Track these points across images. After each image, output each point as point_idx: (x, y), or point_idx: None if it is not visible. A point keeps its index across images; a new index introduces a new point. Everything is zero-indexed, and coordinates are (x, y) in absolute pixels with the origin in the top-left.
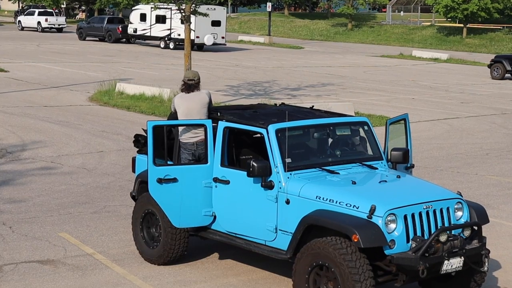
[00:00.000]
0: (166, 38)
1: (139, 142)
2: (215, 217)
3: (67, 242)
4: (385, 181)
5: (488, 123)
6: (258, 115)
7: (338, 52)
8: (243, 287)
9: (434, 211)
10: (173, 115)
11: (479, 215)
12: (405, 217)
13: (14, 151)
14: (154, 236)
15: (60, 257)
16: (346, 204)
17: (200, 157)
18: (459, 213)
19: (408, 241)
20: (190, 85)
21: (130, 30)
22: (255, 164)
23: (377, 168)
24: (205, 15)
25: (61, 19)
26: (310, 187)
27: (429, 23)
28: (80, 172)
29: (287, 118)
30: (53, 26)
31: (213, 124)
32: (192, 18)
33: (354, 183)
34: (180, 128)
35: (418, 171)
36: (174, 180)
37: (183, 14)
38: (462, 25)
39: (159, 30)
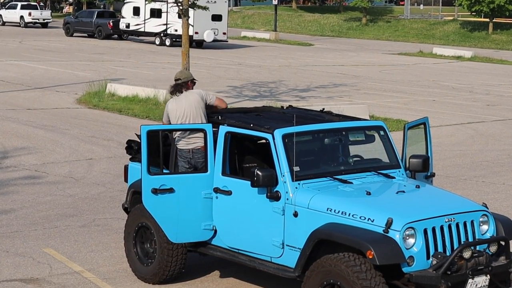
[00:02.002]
0: (161, 34)
1: (132, 148)
2: (215, 231)
3: (52, 258)
4: (403, 191)
5: None
6: (263, 119)
7: (351, 49)
8: None
9: (457, 225)
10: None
11: (507, 229)
12: (425, 231)
13: None
14: (148, 252)
15: (45, 275)
16: (360, 217)
17: (196, 166)
18: (485, 227)
19: (428, 257)
20: (177, 85)
21: (122, 25)
22: (259, 173)
23: (394, 177)
24: (205, 8)
25: (46, 13)
26: (320, 198)
27: (451, 18)
28: (67, 182)
29: (295, 122)
30: (37, 20)
31: (214, 129)
32: (191, 12)
33: (368, 193)
34: (177, 134)
35: (439, 181)
36: (171, 190)
37: (181, 7)
38: (487, 19)
39: (154, 25)
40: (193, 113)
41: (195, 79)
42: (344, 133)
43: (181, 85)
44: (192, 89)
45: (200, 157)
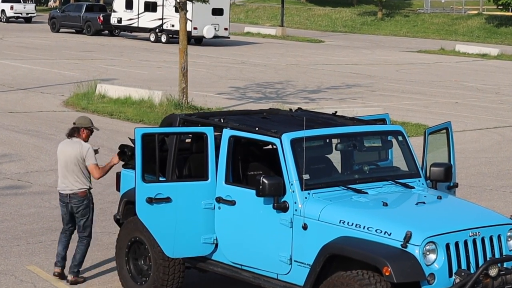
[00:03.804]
0: (157, 30)
1: (125, 154)
2: (216, 245)
3: (37, 277)
4: (423, 202)
5: None
6: (269, 122)
7: (365, 46)
8: None
9: (483, 239)
10: (168, 121)
11: None
12: (447, 246)
13: None
14: (142, 269)
15: None
16: (376, 230)
17: (73, 212)
18: None
19: (450, 275)
20: (72, 129)
21: (113, 20)
22: (266, 181)
23: (413, 187)
24: (205, 1)
25: (30, 7)
26: (332, 210)
27: (476, 12)
28: (53, 192)
29: (304, 125)
30: (20, 15)
31: (216, 133)
32: (189, 5)
33: (385, 204)
34: (59, 174)
35: (463, 191)
36: (167, 200)
37: (178, 0)
38: None
39: (148, 20)
40: (71, 164)
41: (91, 128)
42: (358, 138)
43: (74, 130)
44: (86, 137)
45: (77, 202)
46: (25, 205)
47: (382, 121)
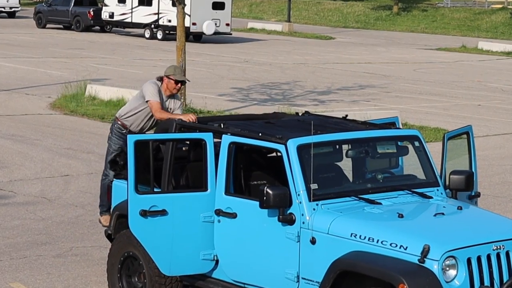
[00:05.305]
0: (152, 26)
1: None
2: (217, 261)
3: None
4: (442, 213)
5: None
6: (274, 127)
7: (380, 43)
8: None
9: (507, 253)
10: (163, 127)
11: None
12: (469, 260)
13: None
14: (136, 287)
15: None
16: (391, 244)
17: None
18: None
19: None
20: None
21: (104, 15)
22: (270, 192)
23: (431, 197)
24: None
25: (14, 1)
26: (342, 222)
27: (500, 6)
28: (38, 203)
29: (312, 130)
30: (2, 9)
31: (216, 140)
32: None
33: (401, 216)
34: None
35: (486, 201)
36: (163, 212)
37: None
38: None
39: (143, 15)
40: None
41: (172, 78)
42: (371, 144)
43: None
44: (168, 88)
45: None
46: (8, 217)
47: (392, 125)
